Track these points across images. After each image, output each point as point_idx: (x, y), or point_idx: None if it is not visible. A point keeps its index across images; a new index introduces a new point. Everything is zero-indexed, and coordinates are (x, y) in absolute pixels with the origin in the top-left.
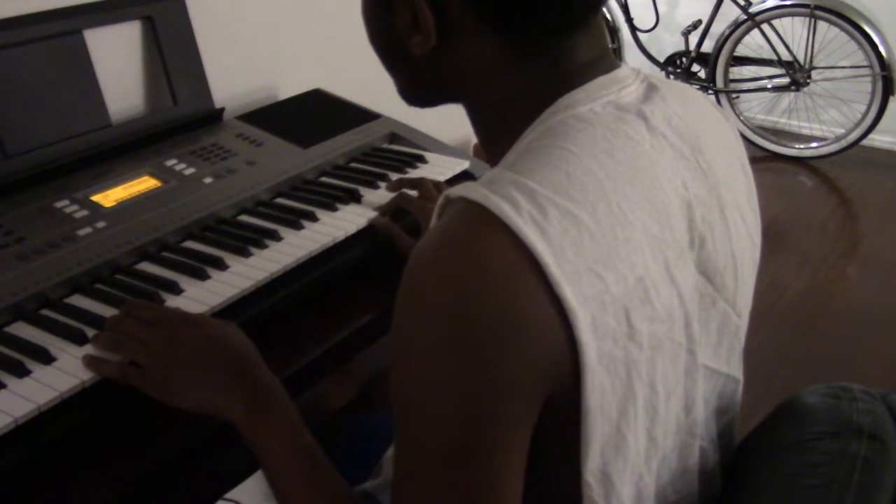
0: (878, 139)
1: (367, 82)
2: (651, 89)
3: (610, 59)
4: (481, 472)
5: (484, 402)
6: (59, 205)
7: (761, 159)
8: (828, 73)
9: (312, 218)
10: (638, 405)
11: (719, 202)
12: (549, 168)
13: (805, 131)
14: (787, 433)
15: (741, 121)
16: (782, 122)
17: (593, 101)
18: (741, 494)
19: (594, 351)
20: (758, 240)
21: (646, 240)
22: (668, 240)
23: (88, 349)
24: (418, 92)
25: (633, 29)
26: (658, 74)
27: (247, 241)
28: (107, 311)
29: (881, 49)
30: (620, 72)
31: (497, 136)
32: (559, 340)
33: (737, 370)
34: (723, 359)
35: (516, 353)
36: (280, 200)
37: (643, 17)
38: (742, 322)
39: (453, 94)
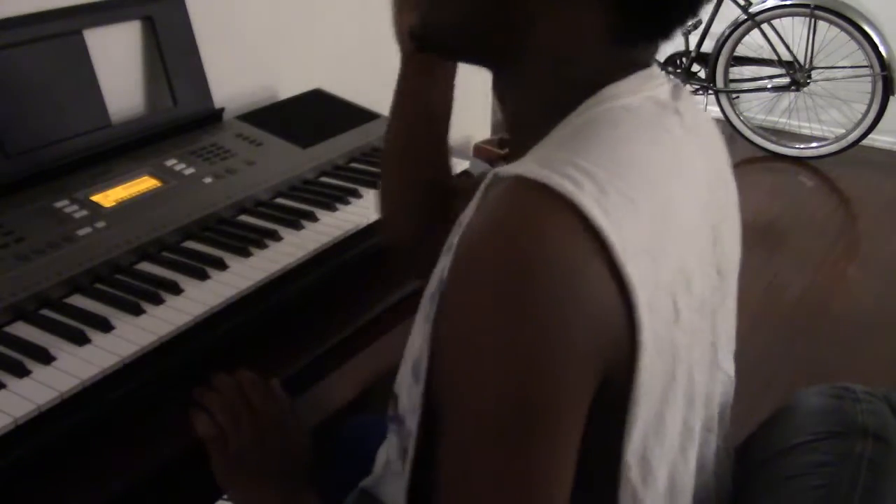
0: (878, 139)
1: (367, 82)
2: (677, 88)
3: (646, 55)
4: (542, 454)
5: (547, 379)
6: (59, 205)
7: (761, 159)
8: (828, 73)
9: (312, 218)
10: (678, 391)
11: (727, 202)
12: (605, 150)
13: (805, 131)
14: (791, 433)
15: (741, 121)
16: (782, 122)
17: (634, 94)
18: (747, 495)
19: (650, 332)
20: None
21: (687, 231)
22: (701, 234)
23: (89, 349)
24: (470, 36)
25: None
26: None
27: (247, 241)
28: (107, 311)
29: (881, 49)
30: (654, 69)
31: (538, 115)
32: (619, 319)
33: (732, 370)
34: (727, 357)
35: (580, 330)
36: (280, 200)
37: None
38: (735, 323)
39: (509, 54)
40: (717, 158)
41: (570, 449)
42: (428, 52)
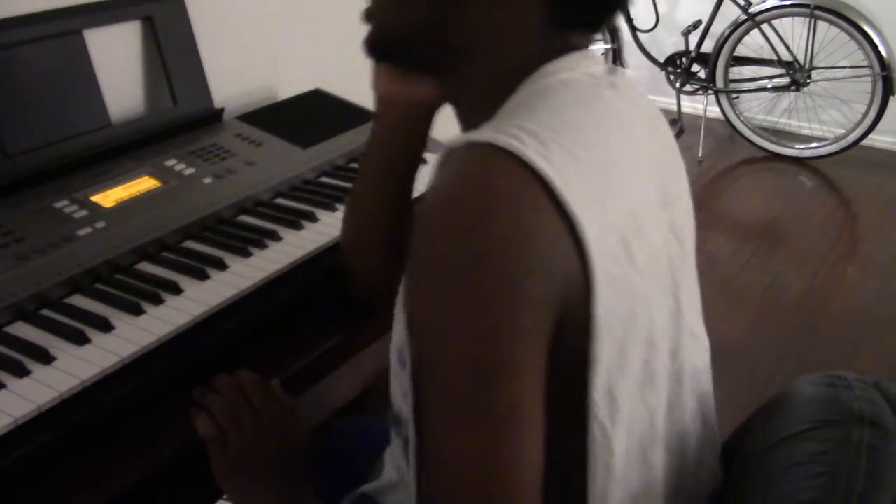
0: (878, 139)
1: (367, 82)
2: (613, 68)
3: (582, 41)
4: (505, 390)
5: (503, 318)
6: (59, 205)
7: (761, 159)
8: (828, 73)
9: (312, 218)
10: (638, 330)
11: (674, 170)
12: (546, 114)
13: (805, 131)
14: (787, 423)
15: (741, 121)
16: (782, 122)
17: (571, 70)
18: (748, 485)
19: (601, 267)
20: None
21: (631, 183)
22: (646, 190)
23: (89, 349)
24: (425, 37)
25: (633, 29)
26: (658, 75)
27: (247, 241)
28: (107, 311)
29: (881, 49)
30: (589, 51)
31: (486, 101)
32: (570, 256)
33: (703, 334)
34: (695, 320)
35: (531, 269)
36: (280, 200)
37: (643, 17)
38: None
39: (456, 54)
40: (659, 134)
41: (534, 393)
42: (382, 59)
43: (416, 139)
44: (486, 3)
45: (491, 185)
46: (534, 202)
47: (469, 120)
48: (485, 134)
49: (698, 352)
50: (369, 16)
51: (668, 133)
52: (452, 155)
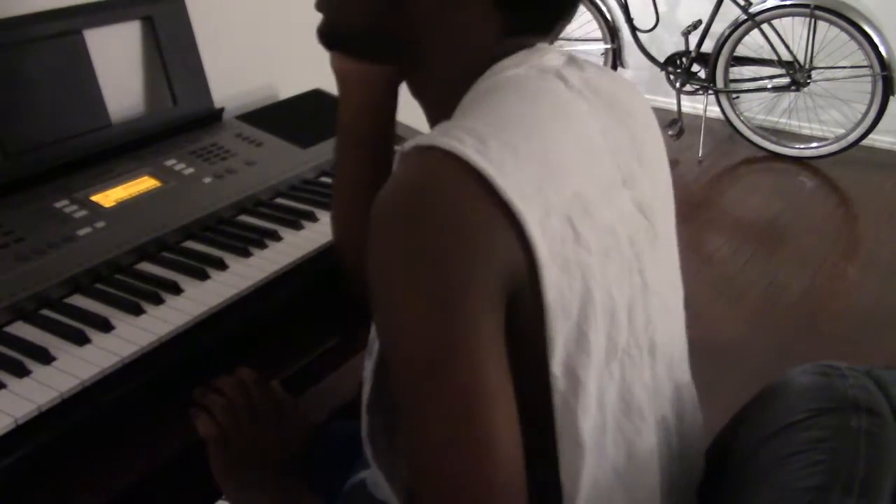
0: (878, 139)
1: None
2: (571, 60)
3: (534, 40)
4: (466, 370)
5: (452, 304)
6: (59, 205)
7: (761, 159)
8: (828, 73)
9: (312, 218)
10: (597, 307)
11: (638, 152)
12: (486, 113)
13: (805, 131)
14: (784, 412)
15: (741, 121)
16: (782, 122)
17: (518, 66)
18: (748, 475)
19: (546, 250)
20: (672, 197)
21: (577, 167)
22: (597, 172)
23: (89, 349)
24: (372, 30)
25: (633, 29)
26: (658, 75)
27: (247, 241)
28: (107, 311)
29: (881, 49)
30: (540, 45)
31: (444, 99)
32: (512, 244)
33: (682, 316)
34: (673, 295)
35: (474, 259)
36: (280, 200)
37: (643, 17)
38: (679, 278)
39: (410, 54)
40: (623, 116)
41: (497, 371)
42: (335, 51)
43: (381, 119)
44: (436, 3)
45: (431, 185)
46: (472, 196)
47: (433, 117)
48: (430, 137)
49: (675, 333)
50: (320, 7)
51: (642, 115)
52: (402, 160)
